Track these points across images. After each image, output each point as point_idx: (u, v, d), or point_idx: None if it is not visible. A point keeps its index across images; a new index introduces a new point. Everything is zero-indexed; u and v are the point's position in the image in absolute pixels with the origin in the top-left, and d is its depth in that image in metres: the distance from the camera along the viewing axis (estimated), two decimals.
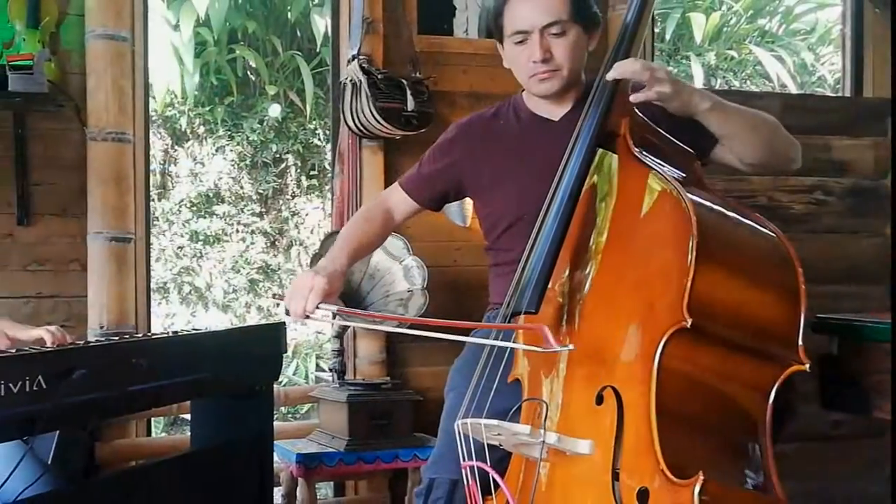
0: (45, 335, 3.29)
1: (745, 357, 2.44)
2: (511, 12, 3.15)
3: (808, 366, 2.45)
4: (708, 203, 2.49)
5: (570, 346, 2.49)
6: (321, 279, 2.92)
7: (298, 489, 4.42)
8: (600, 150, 2.75)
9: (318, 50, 10.08)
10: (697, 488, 2.14)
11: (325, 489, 5.74)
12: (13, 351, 2.86)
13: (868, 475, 4.59)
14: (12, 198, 4.53)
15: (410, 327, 3.49)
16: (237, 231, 10.22)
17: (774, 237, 2.55)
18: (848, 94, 6.26)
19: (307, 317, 2.89)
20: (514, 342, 2.78)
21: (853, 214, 5.41)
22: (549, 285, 2.63)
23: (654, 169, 2.55)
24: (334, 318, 2.95)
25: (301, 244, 10.28)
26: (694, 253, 2.31)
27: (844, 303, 4.53)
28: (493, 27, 3.27)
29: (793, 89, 10.73)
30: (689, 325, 2.27)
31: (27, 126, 4.53)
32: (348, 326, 4.60)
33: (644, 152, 2.63)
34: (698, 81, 10.26)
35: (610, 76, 2.80)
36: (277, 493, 4.54)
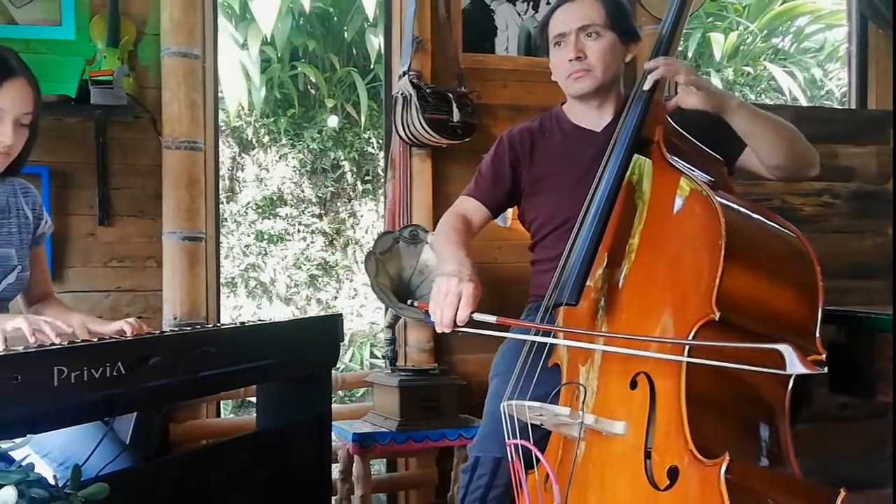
0: (125, 327, 3.28)
1: None
2: (553, 22, 3.23)
3: (824, 356, 2.42)
4: (735, 206, 2.47)
5: (823, 369, 2.22)
6: (469, 284, 2.65)
7: (354, 465, 4.40)
8: (635, 156, 2.73)
9: (372, 66, 10.12)
10: (724, 467, 2.13)
11: (378, 465, 5.74)
12: (95, 340, 2.84)
13: (872, 454, 4.54)
14: (94, 200, 4.54)
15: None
16: (298, 231, 10.25)
17: (794, 237, 2.54)
18: (853, 106, 6.24)
19: (456, 327, 2.62)
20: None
21: (858, 216, 5.37)
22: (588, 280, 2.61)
23: (685, 173, 2.54)
24: (487, 327, 2.53)
25: (357, 243, 10.30)
26: (723, 252, 2.30)
27: (850, 296, 4.49)
28: (539, 41, 3.33)
29: (803, 102, 10.67)
30: (717, 318, 2.26)
31: (108, 135, 4.53)
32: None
33: (676, 158, 2.62)
34: None
35: (648, 66, 2.82)
36: (335, 469, 4.52)
